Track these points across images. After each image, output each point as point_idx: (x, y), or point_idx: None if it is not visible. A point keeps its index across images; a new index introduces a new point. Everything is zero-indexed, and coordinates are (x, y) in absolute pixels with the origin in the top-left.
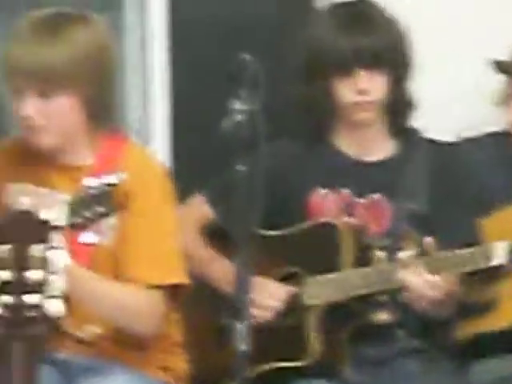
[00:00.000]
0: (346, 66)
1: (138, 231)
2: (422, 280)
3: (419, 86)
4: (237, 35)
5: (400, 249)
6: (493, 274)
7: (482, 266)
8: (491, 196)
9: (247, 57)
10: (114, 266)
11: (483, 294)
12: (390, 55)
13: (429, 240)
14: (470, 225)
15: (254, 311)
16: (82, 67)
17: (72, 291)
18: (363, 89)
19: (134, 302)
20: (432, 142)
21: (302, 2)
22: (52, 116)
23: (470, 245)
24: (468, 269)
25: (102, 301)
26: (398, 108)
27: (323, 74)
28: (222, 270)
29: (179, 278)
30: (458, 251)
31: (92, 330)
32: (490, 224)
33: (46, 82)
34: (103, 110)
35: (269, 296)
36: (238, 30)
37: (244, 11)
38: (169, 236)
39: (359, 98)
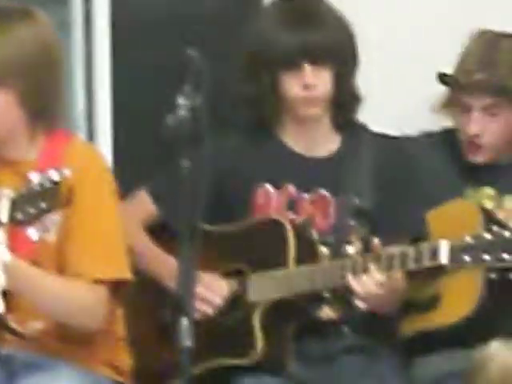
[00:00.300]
0: (292, 61)
1: (81, 227)
2: (368, 278)
3: (365, 81)
4: (182, 30)
5: (345, 244)
6: (436, 272)
7: (428, 264)
8: (434, 191)
9: (191, 52)
10: (58, 262)
11: (426, 291)
12: (336, 50)
13: (376, 241)
14: (415, 219)
15: (196, 304)
16: (19, 63)
17: (14, 286)
18: (310, 83)
19: (77, 297)
20: (378, 136)
21: None
22: None
23: (414, 239)
24: (413, 267)
25: (44, 295)
26: (343, 103)
27: (269, 69)
28: (165, 266)
29: (123, 273)
30: (403, 249)
31: (35, 326)
32: (431, 219)
33: None
34: (44, 106)
35: (211, 291)
36: (183, 25)
37: (190, 6)
38: (112, 232)
39: (306, 93)
